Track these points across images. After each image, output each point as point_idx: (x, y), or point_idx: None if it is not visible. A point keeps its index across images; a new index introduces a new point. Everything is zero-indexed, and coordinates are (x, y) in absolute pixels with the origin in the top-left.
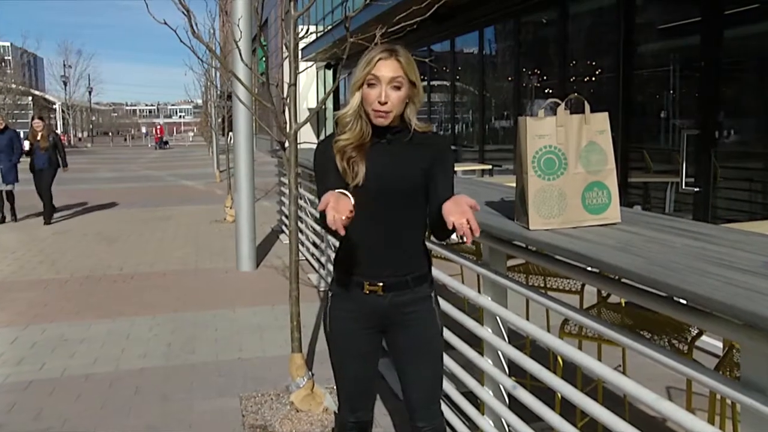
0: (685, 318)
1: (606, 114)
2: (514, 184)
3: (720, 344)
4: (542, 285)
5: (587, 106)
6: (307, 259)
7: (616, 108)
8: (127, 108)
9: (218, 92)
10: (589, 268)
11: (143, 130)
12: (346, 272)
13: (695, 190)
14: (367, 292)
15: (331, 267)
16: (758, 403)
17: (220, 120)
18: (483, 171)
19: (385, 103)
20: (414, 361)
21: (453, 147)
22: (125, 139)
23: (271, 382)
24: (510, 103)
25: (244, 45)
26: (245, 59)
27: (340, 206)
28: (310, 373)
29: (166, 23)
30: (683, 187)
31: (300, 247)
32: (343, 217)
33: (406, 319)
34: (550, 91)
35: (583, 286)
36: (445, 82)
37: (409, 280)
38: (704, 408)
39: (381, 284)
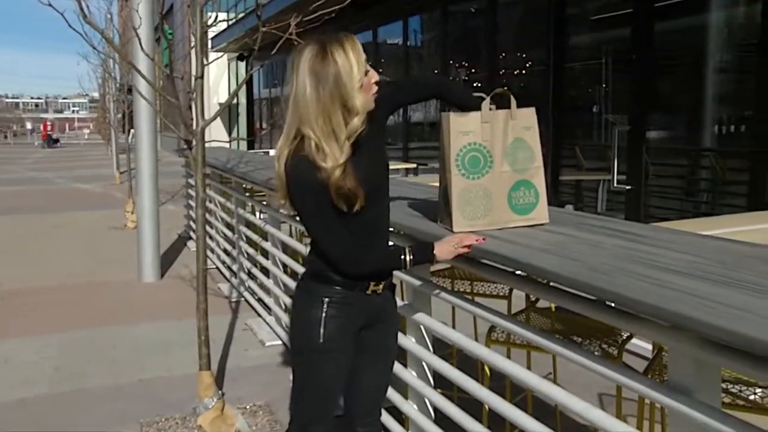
0: (614, 322)
1: (533, 109)
2: (437, 184)
3: (650, 346)
4: (469, 290)
5: (513, 101)
6: (217, 268)
7: (547, 102)
8: (7, 101)
9: (117, 85)
10: (516, 272)
11: (28, 126)
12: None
13: (627, 188)
14: (369, 292)
15: (244, 275)
16: (684, 406)
17: (120, 116)
18: (407, 170)
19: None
20: (374, 359)
21: None
22: (5, 136)
23: (176, 405)
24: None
25: (145, 33)
26: (146, 49)
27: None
28: (220, 392)
29: (51, 5)
30: (615, 185)
31: (209, 254)
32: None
33: (382, 316)
34: (479, 84)
35: (510, 290)
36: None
37: (392, 275)
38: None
39: (383, 282)
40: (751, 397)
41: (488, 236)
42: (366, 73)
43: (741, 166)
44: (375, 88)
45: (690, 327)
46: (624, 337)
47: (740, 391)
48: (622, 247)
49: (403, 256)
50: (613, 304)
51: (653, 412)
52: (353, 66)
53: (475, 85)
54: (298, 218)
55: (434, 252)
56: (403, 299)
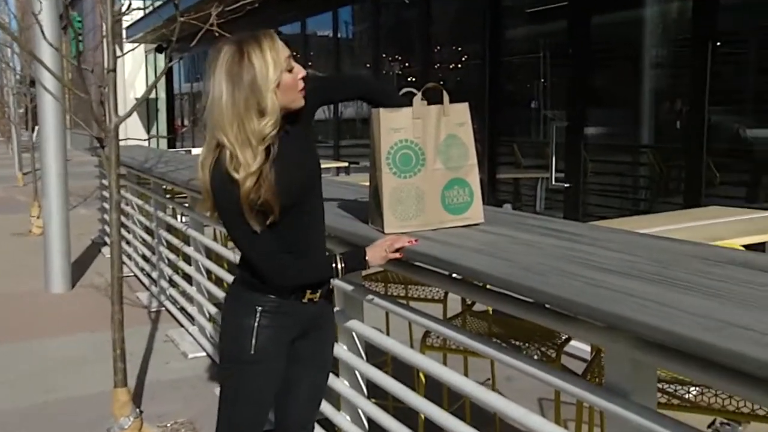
0: (551, 324)
1: (466, 104)
2: (367, 183)
3: (589, 349)
4: (403, 294)
5: (446, 96)
6: (135, 275)
7: (483, 98)
8: None
9: (17, 77)
10: (452, 275)
11: None
12: None
13: (565, 185)
14: (306, 300)
15: (165, 283)
16: (621, 408)
17: (21, 111)
18: (338, 169)
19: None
20: (308, 370)
21: None
22: None
23: (88, 426)
24: None
25: (49, 19)
26: (50, 38)
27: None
28: (137, 410)
29: None
30: (553, 183)
31: (126, 261)
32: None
33: (319, 325)
34: (413, 78)
35: (446, 294)
36: None
37: (329, 281)
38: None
39: (319, 290)
40: (687, 396)
41: (421, 237)
42: (290, 70)
43: (678, 163)
44: (302, 85)
45: (625, 327)
46: (562, 340)
47: (676, 390)
48: (558, 247)
49: (334, 265)
50: (548, 306)
51: (592, 416)
52: (269, 67)
53: (409, 79)
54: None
55: (366, 258)
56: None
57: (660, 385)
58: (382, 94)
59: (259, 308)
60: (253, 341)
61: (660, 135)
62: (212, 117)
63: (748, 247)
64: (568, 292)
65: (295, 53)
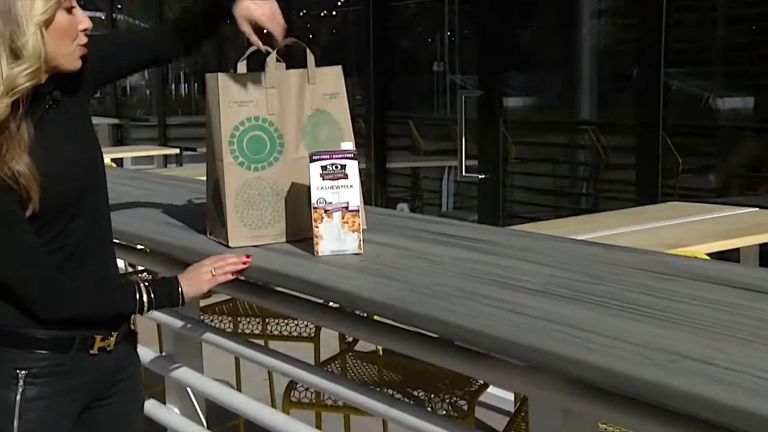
0: (460, 366)
1: (339, 68)
2: (204, 178)
3: (512, 397)
4: (260, 331)
5: (311, 57)
6: None
7: (366, 57)
8: None
9: None
10: (326, 302)
11: None
12: (59, 328)
13: (480, 177)
14: (95, 351)
15: None
16: None
17: None
18: (166, 158)
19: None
20: None
21: (117, 120)
22: None
23: None
24: (209, 51)
25: None
26: None
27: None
28: None
29: None
30: (464, 173)
31: None
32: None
33: (118, 385)
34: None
35: (318, 329)
36: (99, 14)
37: (131, 321)
38: None
39: (115, 334)
40: None
41: (279, 252)
42: (70, 9)
43: (628, 144)
44: (83, 39)
45: (552, 366)
46: (476, 387)
47: None
48: (467, 261)
49: (138, 295)
50: (456, 342)
51: None
52: None
53: (266, 31)
54: None
55: (181, 290)
56: (160, 350)
57: None
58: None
59: (22, 372)
60: (16, 424)
61: (604, 108)
62: None
63: (715, 255)
64: (479, 322)
65: None
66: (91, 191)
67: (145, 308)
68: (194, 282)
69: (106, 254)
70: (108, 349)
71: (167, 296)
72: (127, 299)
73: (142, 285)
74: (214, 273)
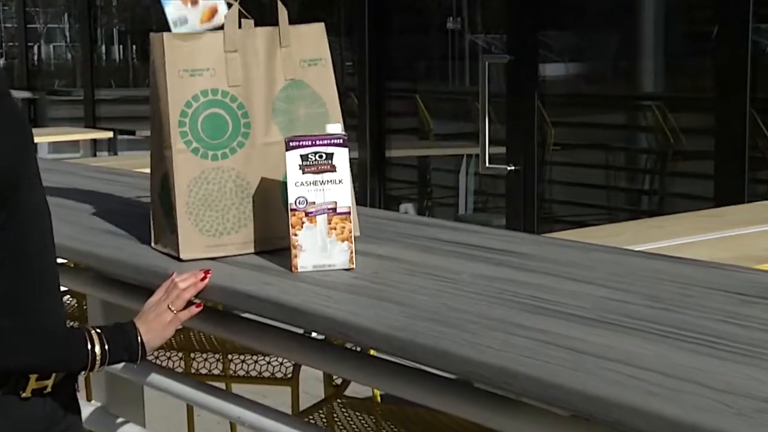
0: (483, 416)
1: (321, 26)
2: (149, 171)
3: None
4: (220, 371)
5: (283, 10)
6: None
7: (360, 11)
8: None
9: None
10: (306, 332)
11: None
12: None
13: (509, 168)
14: (27, 394)
15: None
16: None
17: None
18: (96, 144)
19: None
20: None
21: (29, 94)
22: None
23: None
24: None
25: None
26: None
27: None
28: None
29: None
30: (488, 164)
31: None
32: None
33: None
34: None
35: (296, 368)
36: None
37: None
38: None
39: (54, 375)
40: None
41: (245, 266)
42: None
43: (705, 125)
44: None
45: (604, 416)
46: None
47: None
48: (489, 279)
49: (90, 346)
50: (477, 385)
51: None
52: None
53: None
54: None
55: (140, 339)
56: (88, 396)
57: None
58: None
59: None
60: None
61: (673, 77)
62: None
63: None
64: (508, 358)
65: None
66: (27, 188)
67: (97, 364)
68: (155, 327)
69: (49, 272)
70: (45, 390)
71: (124, 348)
72: (74, 351)
73: (93, 333)
74: (172, 308)
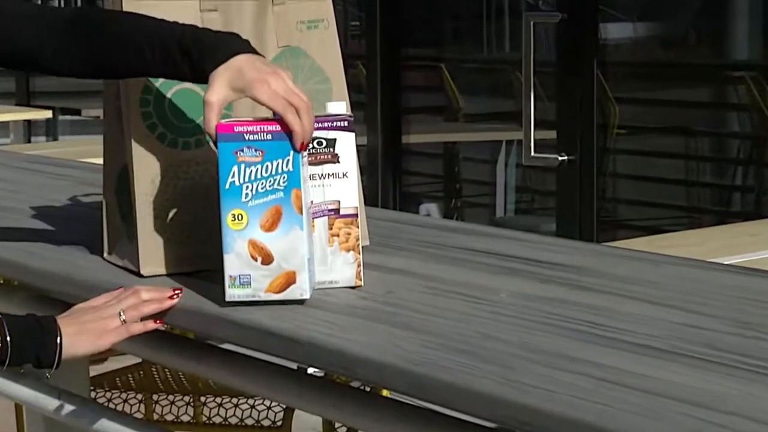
0: None
1: None
2: (101, 161)
3: None
4: (191, 418)
5: None
6: None
7: None
8: None
9: None
10: (302, 368)
11: None
12: None
13: (561, 159)
14: None
15: None
16: None
17: None
18: (31, 126)
19: None
20: None
21: None
22: None
23: None
24: None
25: None
26: None
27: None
28: None
29: None
30: (533, 153)
31: None
32: None
33: None
34: None
35: (289, 413)
36: None
37: None
38: None
39: None
40: None
41: (199, 282)
42: None
43: None
44: None
45: None
46: None
47: None
48: (535, 300)
49: None
50: None
51: None
52: None
53: None
54: None
55: (59, 339)
56: None
57: None
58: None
59: None
60: None
61: None
62: None
63: None
64: (559, 400)
65: None
66: None
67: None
68: (90, 329)
69: None
70: None
71: (33, 345)
72: None
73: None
74: (123, 317)
